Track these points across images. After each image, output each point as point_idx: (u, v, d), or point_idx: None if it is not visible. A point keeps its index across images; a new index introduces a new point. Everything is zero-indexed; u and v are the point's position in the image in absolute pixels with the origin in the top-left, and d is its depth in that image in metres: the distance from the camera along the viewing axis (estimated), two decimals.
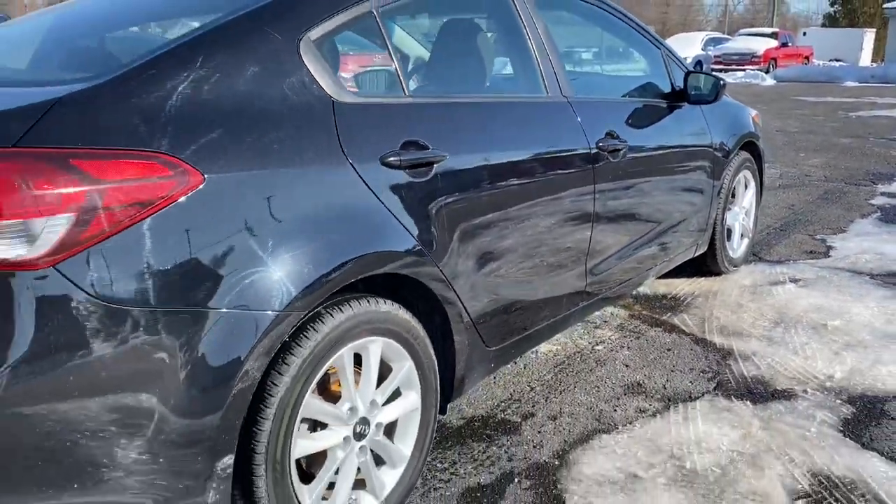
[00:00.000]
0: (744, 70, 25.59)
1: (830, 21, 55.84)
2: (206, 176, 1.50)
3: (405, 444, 2.02)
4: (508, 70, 2.64)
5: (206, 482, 1.53)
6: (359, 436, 1.87)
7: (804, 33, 41.07)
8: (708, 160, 3.50)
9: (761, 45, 27.45)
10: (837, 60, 35.49)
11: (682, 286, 3.86)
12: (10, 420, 1.31)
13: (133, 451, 1.42)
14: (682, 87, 3.30)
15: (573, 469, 2.27)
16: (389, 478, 1.99)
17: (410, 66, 2.18)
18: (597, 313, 3.46)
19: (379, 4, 2.05)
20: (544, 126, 2.48)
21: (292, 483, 1.72)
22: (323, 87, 1.81)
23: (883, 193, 6.11)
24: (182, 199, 1.46)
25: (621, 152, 2.77)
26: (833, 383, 2.79)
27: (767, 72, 25.38)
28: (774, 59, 27.21)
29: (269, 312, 1.56)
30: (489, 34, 2.62)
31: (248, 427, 1.61)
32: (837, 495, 2.12)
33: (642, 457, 2.32)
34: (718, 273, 3.95)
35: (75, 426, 1.36)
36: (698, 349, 3.11)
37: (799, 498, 2.11)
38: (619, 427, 2.51)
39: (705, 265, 3.90)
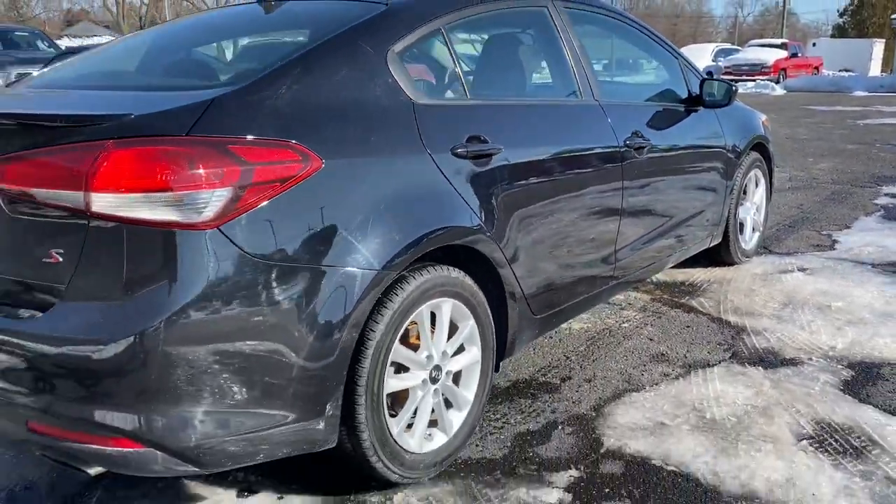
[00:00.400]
0: (754, 80, 25.91)
1: (840, 32, 56.11)
2: (324, 161, 1.89)
3: (468, 391, 2.40)
4: (548, 77, 3.02)
5: (325, 406, 1.91)
6: (433, 380, 2.25)
7: (814, 44, 41.37)
8: (721, 159, 3.87)
9: (771, 56, 27.75)
10: (847, 70, 35.74)
11: (698, 274, 4.23)
12: (174, 358, 1.68)
13: (271, 375, 1.81)
14: (698, 92, 3.67)
15: (608, 419, 2.63)
16: (456, 419, 2.37)
17: (470, 73, 2.57)
18: (621, 297, 3.83)
19: (444, 23, 2.44)
20: (580, 126, 2.87)
21: (384, 414, 2.09)
22: (405, 91, 2.20)
23: (886, 194, 6.45)
24: (308, 178, 1.86)
25: (645, 149, 3.14)
26: (835, 353, 3.15)
27: (777, 82, 25.69)
28: (784, 70, 27.50)
29: (370, 271, 1.95)
30: (533, 46, 3.01)
31: (352, 366, 1.99)
32: (837, 437, 2.48)
33: (668, 409, 2.69)
34: (732, 263, 4.31)
35: (230, 364, 1.74)
36: (714, 326, 3.47)
37: (803, 439, 2.47)
38: (647, 387, 2.87)
39: (719, 256, 4.26)
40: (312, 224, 1.86)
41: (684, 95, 3.68)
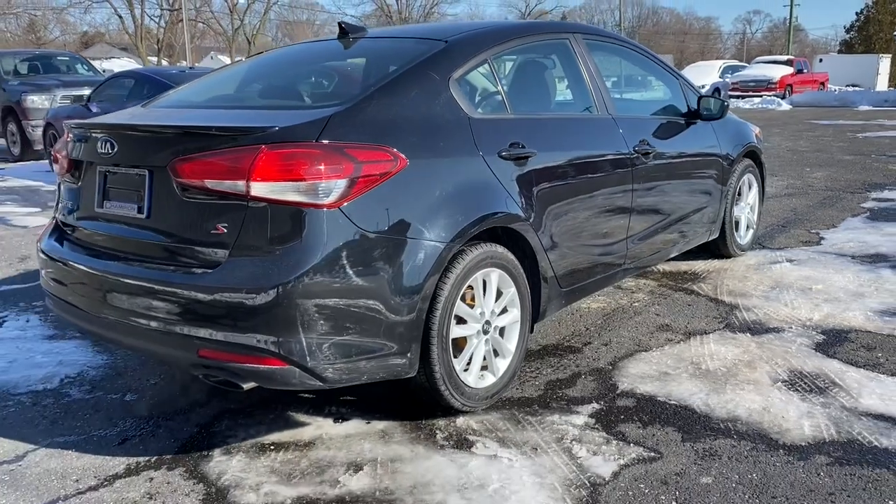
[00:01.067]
0: (760, 96, 26.56)
1: (846, 47, 56.71)
2: (409, 160, 2.55)
3: (511, 343, 3.03)
4: (571, 95, 3.68)
5: (410, 343, 2.56)
6: (484, 332, 2.89)
7: (820, 60, 41.99)
8: (717, 165, 4.51)
9: (777, 73, 28.39)
10: (854, 86, 36.30)
11: (699, 265, 4.86)
12: (307, 302, 2.33)
13: (374, 316, 2.46)
14: (696, 107, 4.32)
15: (622, 370, 3.27)
16: (501, 364, 3.00)
17: (510, 93, 3.22)
18: (631, 283, 4.47)
19: (490, 55, 3.11)
20: (597, 135, 3.52)
21: (450, 354, 2.74)
22: (462, 108, 2.86)
23: (874, 199, 7.07)
24: (397, 173, 2.52)
25: (651, 155, 3.79)
26: (811, 323, 3.77)
27: (783, 97, 26.32)
28: (790, 86, 28.13)
29: (441, 243, 2.60)
30: (558, 71, 3.67)
31: (428, 315, 2.63)
32: (805, 380, 3.10)
33: (670, 363, 3.32)
34: (729, 256, 4.94)
35: (345, 307, 2.39)
36: (712, 305, 4.10)
37: (778, 382, 3.10)
38: (654, 348, 3.50)
39: (718, 249, 4.89)
40: (401, 207, 2.52)
41: (684, 110, 4.33)
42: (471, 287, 2.83)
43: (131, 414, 2.99)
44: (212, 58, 61.93)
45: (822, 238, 5.55)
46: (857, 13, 57.39)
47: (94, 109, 9.58)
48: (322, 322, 2.37)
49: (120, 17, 48.29)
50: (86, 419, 2.96)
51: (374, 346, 2.49)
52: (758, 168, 5.10)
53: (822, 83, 31.46)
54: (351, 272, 2.40)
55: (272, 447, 2.70)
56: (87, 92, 11.67)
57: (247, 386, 2.44)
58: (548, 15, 76.39)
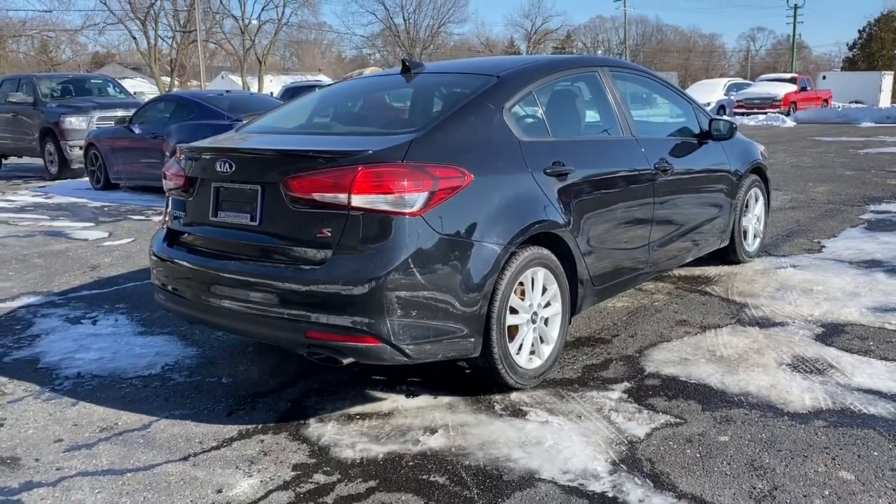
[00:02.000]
0: (765, 113, 27.16)
1: (850, 64, 57.43)
2: (474, 177, 3.09)
3: (554, 332, 3.56)
4: (600, 120, 4.24)
5: (476, 327, 3.09)
6: (533, 321, 3.42)
7: (823, 77, 42.68)
8: (727, 180, 5.05)
9: (781, 90, 28.97)
10: (858, 102, 36.94)
11: (710, 270, 5.39)
12: (397, 292, 2.86)
13: (450, 303, 2.99)
14: (707, 128, 4.87)
15: (647, 356, 3.79)
16: (546, 349, 3.53)
17: (551, 119, 3.77)
18: (651, 286, 4.99)
19: (534, 87, 3.67)
20: (623, 154, 4.07)
21: (506, 338, 3.26)
22: (514, 132, 3.41)
23: (872, 211, 7.59)
24: (466, 187, 3.06)
25: (669, 171, 4.33)
26: (812, 318, 4.29)
27: (788, 114, 26.90)
28: (794, 103, 28.71)
29: (500, 245, 3.14)
30: (589, 99, 4.23)
31: (489, 306, 3.16)
32: (807, 364, 3.62)
33: (689, 350, 3.84)
34: (738, 262, 5.47)
35: (425, 297, 2.93)
36: (724, 303, 4.62)
37: (783, 364, 3.62)
38: (674, 339, 4.02)
39: (728, 256, 5.42)
40: (468, 215, 3.06)
41: (697, 131, 4.87)
42: (521, 283, 3.36)
43: (231, 393, 3.52)
44: (223, 77, 62.99)
45: (823, 246, 6.07)
46: (859, 31, 58.17)
47: (137, 131, 10.19)
48: (407, 308, 2.90)
49: (134, 38, 49.25)
50: (193, 397, 3.49)
51: (447, 329, 3.02)
52: (763, 183, 5.63)
53: (826, 100, 32.04)
54: (430, 268, 2.93)
55: (358, 416, 3.23)
56: (120, 113, 12.30)
57: (346, 361, 2.98)
58: (553, 33, 77.35)
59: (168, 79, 50.30)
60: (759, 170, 5.53)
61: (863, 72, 47.40)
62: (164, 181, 3.66)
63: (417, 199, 2.91)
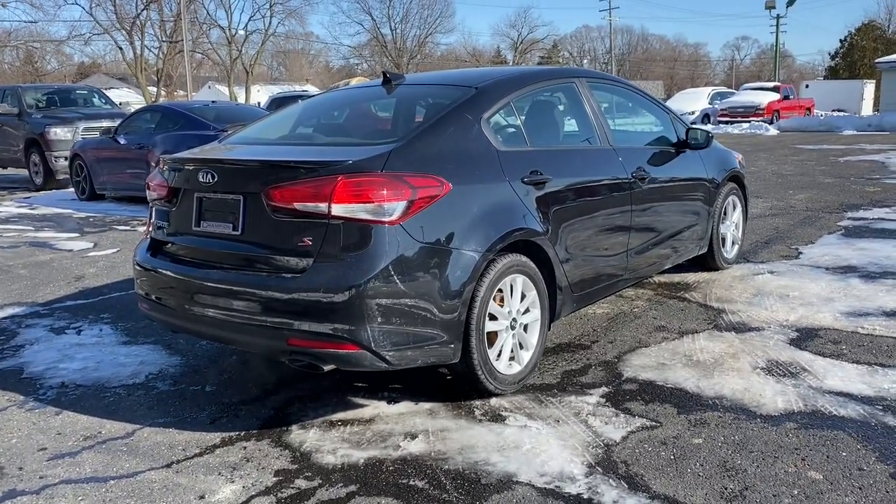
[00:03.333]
0: (749, 121, 27.43)
1: (832, 73, 58.08)
2: (452, 186, 3.16)
3: (533, 338, 3.62)
4: (577, 129, 4.32)
5: (456, 333, 3.15)
6: (512, 327, 3.49)
7: (806, 86, 43.11)
8: (704, 188, 5.14)
9: (765, 99, 29.26)
10: (841, 111, 37.33)
11: (689, 276, 5.47)
12: (377, 300, 2.92)
13: (429, 310, 3.05)
14: (685, 138, 4.96)
15: (626, 362, 3.85)
16: (525, 355, 3.59)
17: (528, 129, 3.84)
18: (631, 292, 5.07)
19: (511, 98, 3.74)
20: (600, 163, 4.15)
21: (485, 344, 3.32)
22: (492, 142, 3.48)
23: (849, 218, 7.72)
24: (444, 196, 3.12)
25: (647, 180, 4.41)
26: (788, 323, 4.38)
27: (771, 123, 27.18)
28: (777, 111, 29.00)
29: (479, 252, 3.20)
30: (567, 110, 4.31)
31: (468, 312, 3.22)
32: (780, 367, 3.70)
33: (667, 356, 3.91)
34: (716, 268, 5.56)
35: (405, 304, 2.99)
36: (702, 309, 4.70)
37: (758, 369, 3.69)
38: (652, 345, 4.10)
39: (706, 262, 5.50)
40: (447, 223, 3.12)
41: (674, 140, 4.96)
42: (500, 290, 3.42)
43: (214, 401, 3.56)
44: (209, 87, 62.94)
45: (800, 253, 6.17)
46: (840, 40, 58.88)
47: (122, 141, 10.20)
48: (387, 315, 2.95)
49: (120, 48, 49.16)
50: (176, 405, 3.53)
51: (427, 335, 3.08)
52: (741, 190, 5.73)
53: (809, 108, 32.37)
54: (409, 275, 2.99)
55: (340, 423, 3.28)
56: (106, 124, 12.30)
57: (326, 368, 3.03)
58: (539, 43, 77.80)
59: (154, 89, 50.22)
60: (736, 178, 5.62)
61: (845, 80, 47.96)
62: (147, 191, 3.70)
63: (396, 207, 2.97)
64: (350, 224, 2.94)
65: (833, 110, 37.05)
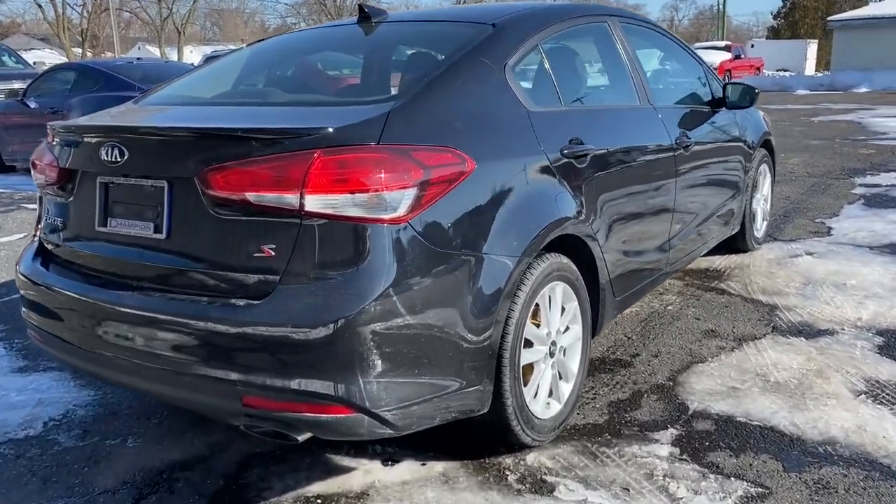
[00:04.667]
0: None
1: (774, 33, 58.18)
2: (477, 163, 2.18)
3: (574, 364, 2.70)
4: (614, 83, 3.36)
5: (483, 376, 2.20)
6: (551, 354, 2.55)
7: (752, 45, 42.86)
8: (742, 154, 4.26)
9: (717, 58, 28.68)
10: (784, 70, 37.18)
11: (718, 261, 4.61)
12: (375, 338, 1.94)
13: (449, 349, 2.09)
14: (721, 95, 4.04)
15: (685, 387, 2.96)
16: (566, 389, 2.67)
17: (560, 82, 2.87)
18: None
19: (540, 39, 2.75)
20: (644, 128, 3.21)
21: (521, 383, 2.38)
22: (521, 100, 2.50)
23: (861, 185, 6.99)
24: (466, 179, 2.14)
25: (689, 148, 3.50)
26: (863, 323, 3.55)
27: None
28: (729, 71, 28.50)
29: (515, 257, 2.24)
30: (600, 56, 3.34)
31: (500, 342, 2.27)
32: (888, 391, 2.86)
33: (734, 376, 3.03)
34: (746, 250, 4.71)
35: (415, 341, 2.01)
36: (749, 305, 3.84)
37: (858, 392, 2.84)
38: (709, 359, 3.21)
39: (734, 244, 4.64)
40: (472, 218, 2.15)
41: (709, 98, 4.05)
42: (537, 305, 2.48)
43: (139, 465, 2.54)
44: (139, 48, 59.72)
45: (829, 228, 5.38)
46: (783, 0, 58.96)
47: (33, 105, 8.87)
48: (390, 360, 1.98)
49: (39, 5, 45.92)
50: (85, 475, 2.50)
51: (447, 383, 2.12)
52: (771, 157, 4.88)
53: (758, 68, 32.06)
54: (421, 299, 2.01)
55: (318, 500, 2.31)
56: (17, 86, 10.86)
57: (302, 438, 2.05)
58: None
59: (79, 50, 47.19)
60: (768, 143, 4.76)
61: (789, 40, 47.95)
62: (33, 174, 2.63)
63: (402, 198, 1.98)
64: (333, 224, 1.94)
65: (777, 70, 36.87)
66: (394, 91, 2.32)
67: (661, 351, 3.31)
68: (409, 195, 1.99)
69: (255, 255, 1.98)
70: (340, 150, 1.95)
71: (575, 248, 2.67)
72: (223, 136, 2.08)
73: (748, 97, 4.03)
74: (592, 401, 2.88)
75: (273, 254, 1.96)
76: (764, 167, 4.74)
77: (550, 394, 2.61)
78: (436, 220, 2.05)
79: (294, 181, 1.92)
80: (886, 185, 6.90)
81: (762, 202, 4.81)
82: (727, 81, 4.13)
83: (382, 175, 1.95)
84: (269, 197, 1.95)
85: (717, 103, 4.05)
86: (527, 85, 2.71)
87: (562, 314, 2.62)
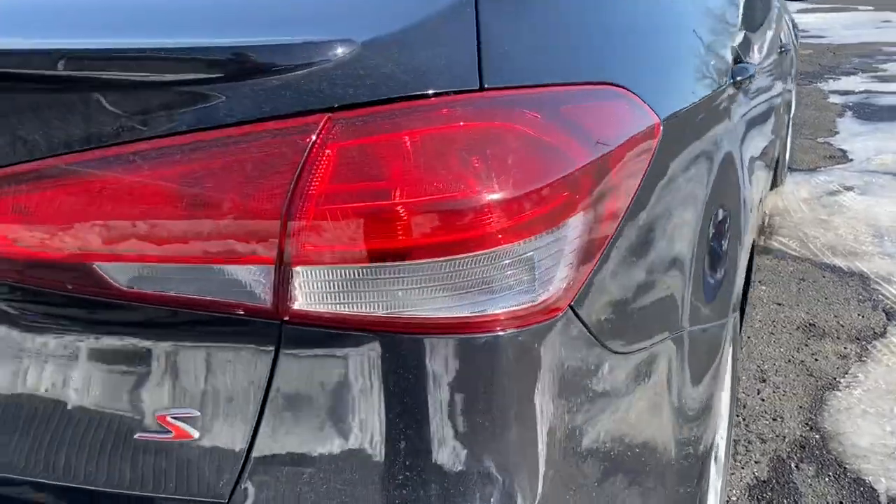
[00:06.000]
0: None
1: None
2: (662, 122, 0.93)
3: (721, 452, 1.57)
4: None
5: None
6: (716, 456, 1.40)
7: None
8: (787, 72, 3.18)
9: None
10: None
11: None
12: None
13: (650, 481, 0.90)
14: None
15: (840, 439, 1.91)
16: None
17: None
18: None
19: None
20: (775, 52, 2.01)
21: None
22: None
23: (833, 92, 6.16)
24: (654, 158, 0.89)
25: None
26: None
27: None
28: None
29: (724, 321, 1.07)
30: None
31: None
32: None
33: (884, 421, 2.00)
34: (775, 185, 3.71)
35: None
36: (831, 276, 2.83)
37: None
38: (839, 379, 2.18)
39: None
40: (664, 250, 0.92)
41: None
42: None
43: None
44: None
45: (844, 151, 4.47)
46: None
47: None
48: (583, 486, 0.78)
49: None
50: None
51: None
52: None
53: None
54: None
55: None
56: None
57: None
58: None
59: None
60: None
61: None
62: None
63: (562, 247, 0.71)
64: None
65: None
66: None
67: (763, 369, 2.24)
68: (570, 229, 0.73)
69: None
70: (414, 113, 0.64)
71: None
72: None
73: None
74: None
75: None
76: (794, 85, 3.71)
77: None
78: (619, 273, 0.81)
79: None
80: (859, 92, 6.11)
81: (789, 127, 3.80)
82: None
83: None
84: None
85: None
86: None
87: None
